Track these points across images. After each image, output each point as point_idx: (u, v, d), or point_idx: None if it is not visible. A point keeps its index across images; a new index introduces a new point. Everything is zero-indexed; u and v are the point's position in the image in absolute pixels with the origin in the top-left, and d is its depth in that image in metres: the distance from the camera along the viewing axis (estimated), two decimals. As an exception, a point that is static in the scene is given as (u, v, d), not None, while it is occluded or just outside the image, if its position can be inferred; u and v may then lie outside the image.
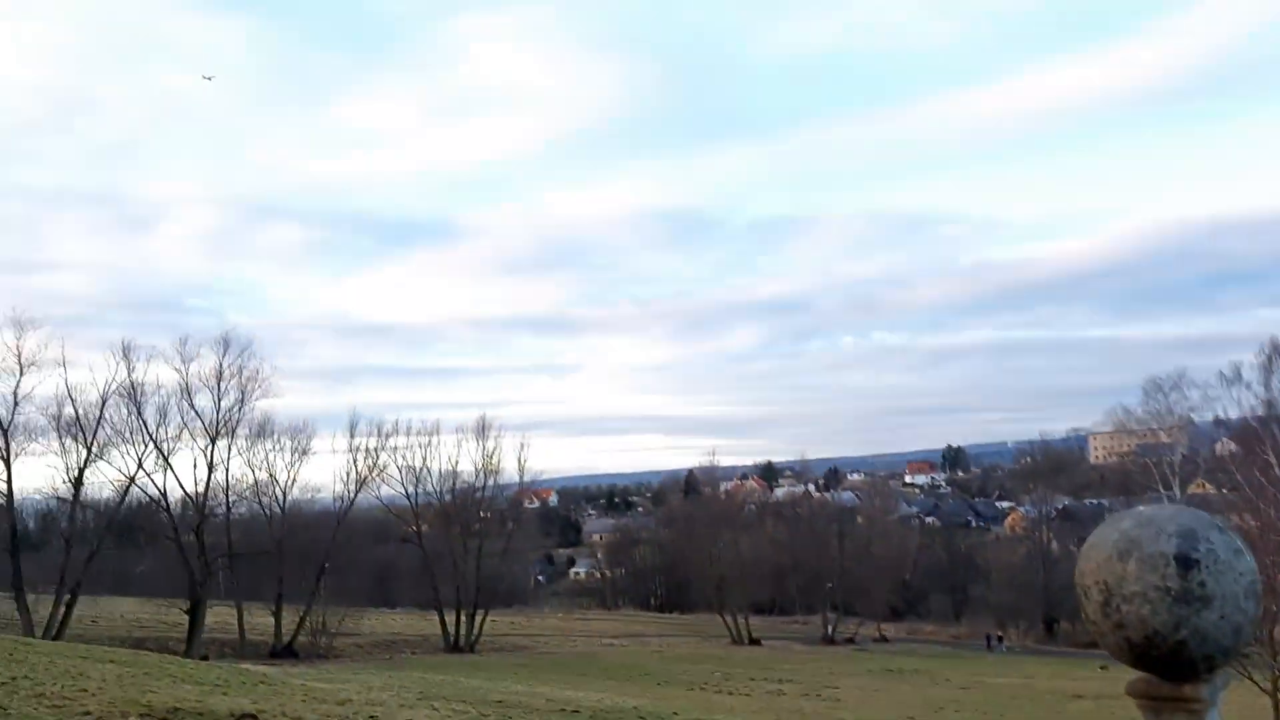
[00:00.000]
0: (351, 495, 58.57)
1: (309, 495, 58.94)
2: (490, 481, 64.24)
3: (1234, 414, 77.65)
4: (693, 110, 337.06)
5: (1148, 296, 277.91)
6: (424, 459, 62.42)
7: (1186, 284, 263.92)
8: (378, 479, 60.20)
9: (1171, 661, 3.41)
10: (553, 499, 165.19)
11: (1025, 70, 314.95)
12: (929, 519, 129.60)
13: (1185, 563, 3.33)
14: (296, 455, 55.91)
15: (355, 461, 58.86)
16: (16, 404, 45.33)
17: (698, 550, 75.91)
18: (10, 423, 45.18)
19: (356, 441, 59.30)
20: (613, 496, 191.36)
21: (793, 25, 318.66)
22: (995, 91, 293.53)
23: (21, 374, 45.15)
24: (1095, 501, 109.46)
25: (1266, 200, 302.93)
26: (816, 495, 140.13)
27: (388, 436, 60.63)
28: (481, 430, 63.88)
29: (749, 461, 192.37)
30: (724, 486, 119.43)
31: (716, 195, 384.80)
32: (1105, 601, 3.45)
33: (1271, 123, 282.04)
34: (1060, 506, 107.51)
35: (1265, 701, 24.96)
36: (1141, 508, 3.86)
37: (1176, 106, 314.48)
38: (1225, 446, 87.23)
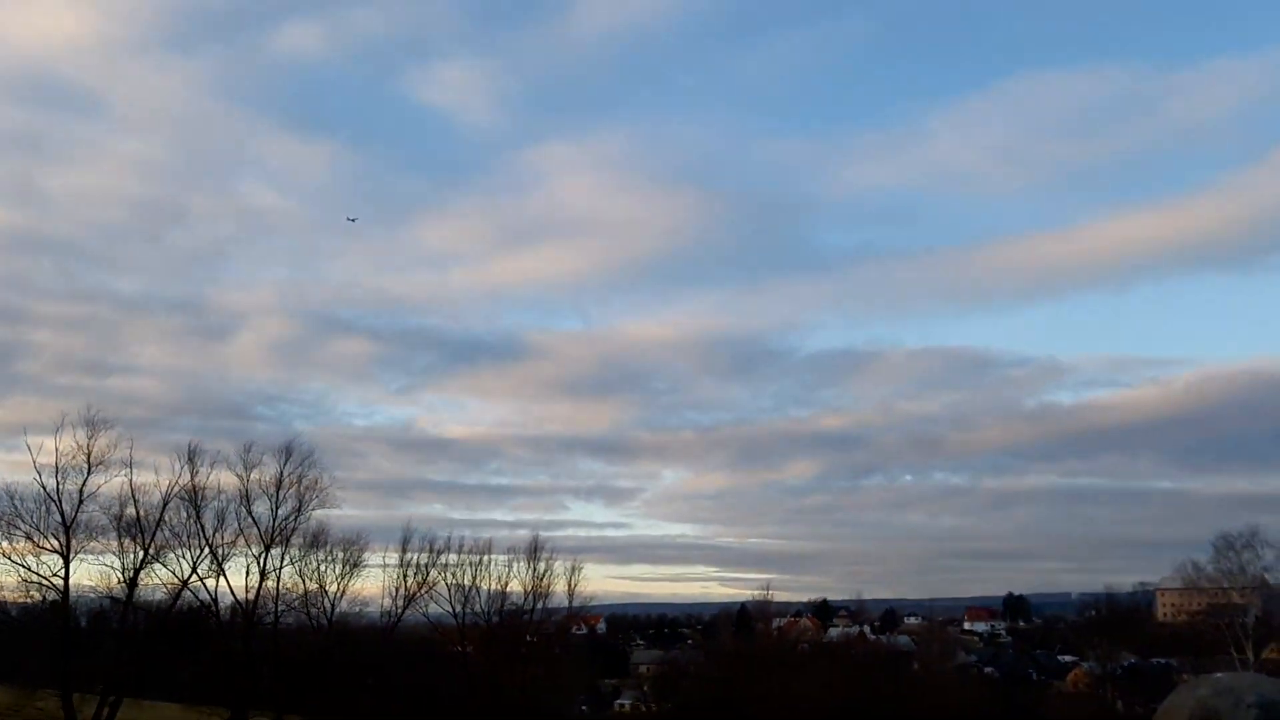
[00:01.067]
0: (399, 611, 58.18)
1: (357, 608, 58.61)
2: (539, 605, 63.54)
3: (1311, 578, 74.64)
4: (761, 242, 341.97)
5: (1217, 450, 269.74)
6: (474, 578, 62.05)
7: (1258, 439, 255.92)
8: (426, 596, 59.81)
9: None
10: (601, 626, 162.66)
11: (1093, 219, 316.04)
12: (988, 669, 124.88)
13: (1268, 738, 3.17)
14: (348, 567, 55.85)
15: (405, 577, 58.66)
16: (81, 502, 46.00)
17: (747, 688, 73.71)
18: (73, 520, 45.82)
19: (408, 556, 59.23)
20: (663, 627, 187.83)
21: (864, 165, 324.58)
22: (1063, 238, 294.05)
23: (89, 472, 45.93)
24: (1163, 661, 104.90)
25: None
26: (872, 638, 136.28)
27: (439, 553, 60.53)
28: (533, 552, 63.53)
29: (803, 598, 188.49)
30: (777, 623, 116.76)
31: (780, 327, 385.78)
32: (1183, 774, 3.29)
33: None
34: (1126, 665, 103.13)
35: None
36: (1219, 675, 3.71)
37: (1249, 258, 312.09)
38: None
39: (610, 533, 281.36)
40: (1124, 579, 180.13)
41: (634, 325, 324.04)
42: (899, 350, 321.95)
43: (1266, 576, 76.96)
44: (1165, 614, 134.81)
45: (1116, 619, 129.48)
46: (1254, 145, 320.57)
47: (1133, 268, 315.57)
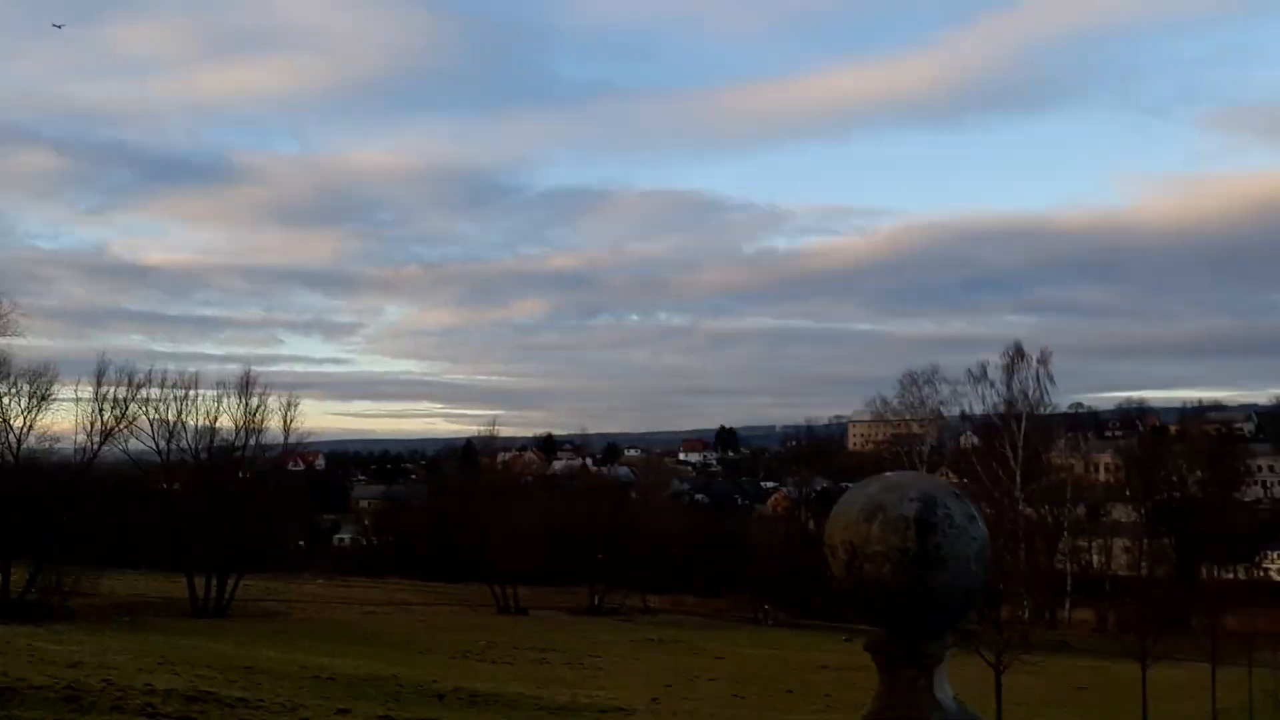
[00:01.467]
0: (95, 447, 54.71)
1: (47, 445, 54.77)
2: (252, 441, 61.49)
3: (979, 410, 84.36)
4: (495, 71, 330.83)
5: (909, 295, 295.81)
6: (179, 413, 59.16)
7: (945, 286, 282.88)
8: (125, 431, 56.48)
9: (907, 619, 3.47)
10: (320, 463, 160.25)
11: (816, 69, 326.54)
12: (699, 496, 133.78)
13: (924, 526, 3.39)
14: (34, 401, 51.82)
15: (100, 411, 54.96)
16: None
17: (470, 520, 75.28)
18: None
19: (104, 390, 55.33)
20: (385, 463, 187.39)
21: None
22: (789, 86, 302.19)
23: None
24: (850, 485, 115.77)
25: (1017, 211, 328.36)
26: (594, 469, 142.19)
27: (139, 387, 56.78)
28: (245, 386, 61.06)
29: (529, 433, 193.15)
30: (502, 458, 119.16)
31: (513, 161, 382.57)
32: (850, 560, 3.50)
33: (1032, 138, 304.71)
34: (819, 489, 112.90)
35: (992, 675, 27.03)
36: (888, 473, 3.90)
37: (950, 117, 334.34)
38: (969, 439, 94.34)
39: (330, 368, 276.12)
40: (822, 413, 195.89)
41: (357, 151, 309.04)
42: (630, 191, 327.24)
43: (942, 409, 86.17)
44: (855, 444, 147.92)
45: (813, 449, 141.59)
46: (965, 7, 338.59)
47: (849, 120, 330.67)
